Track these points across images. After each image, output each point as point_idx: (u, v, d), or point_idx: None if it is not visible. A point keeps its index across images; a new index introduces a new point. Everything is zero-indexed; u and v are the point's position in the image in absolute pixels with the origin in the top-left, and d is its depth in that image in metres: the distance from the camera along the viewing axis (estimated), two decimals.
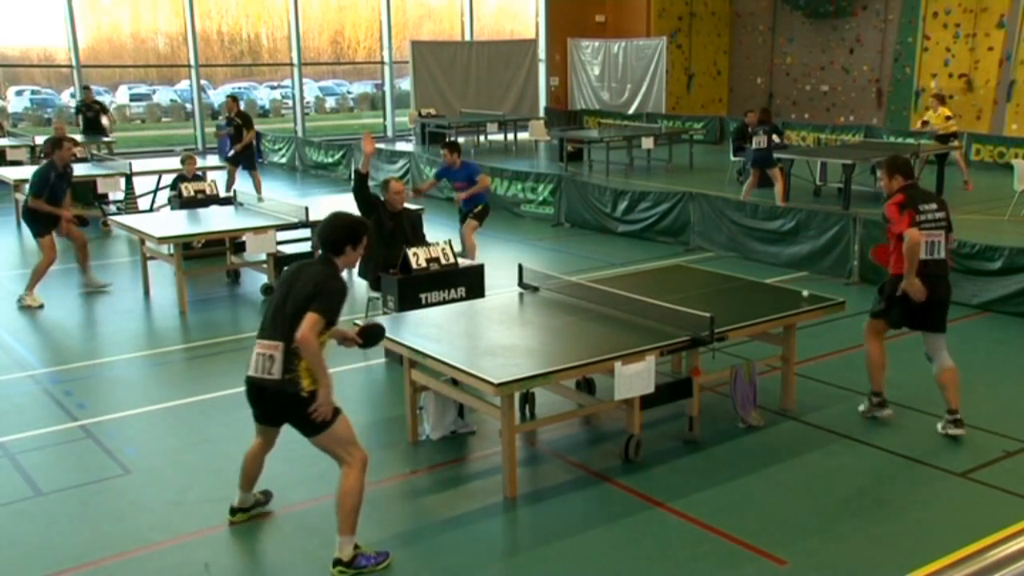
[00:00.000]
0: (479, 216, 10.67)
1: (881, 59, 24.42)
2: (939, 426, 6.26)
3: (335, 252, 4.69)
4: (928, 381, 6.86)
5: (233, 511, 5.18)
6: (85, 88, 20.01)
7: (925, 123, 16.82)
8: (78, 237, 10.14)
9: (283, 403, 4.61)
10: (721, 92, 28.50)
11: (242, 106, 16.13)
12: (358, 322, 6.28)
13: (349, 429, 4.70)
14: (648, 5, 27.27)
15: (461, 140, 23.16)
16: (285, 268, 4.88)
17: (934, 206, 6.23)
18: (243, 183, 15.40)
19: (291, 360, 4.52)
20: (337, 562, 4.59)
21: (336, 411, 4.63)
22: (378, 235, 7.86)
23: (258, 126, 17.20)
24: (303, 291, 4.54)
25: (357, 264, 4.95)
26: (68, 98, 27.79)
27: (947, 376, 6.24)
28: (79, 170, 14.34)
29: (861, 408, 6.63)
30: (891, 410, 6.55)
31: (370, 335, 5.15)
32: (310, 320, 4.42)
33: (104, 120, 19.15)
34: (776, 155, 14.59)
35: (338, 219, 4.80)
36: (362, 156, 8.06)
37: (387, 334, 6.02)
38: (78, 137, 18.30)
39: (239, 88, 34.18)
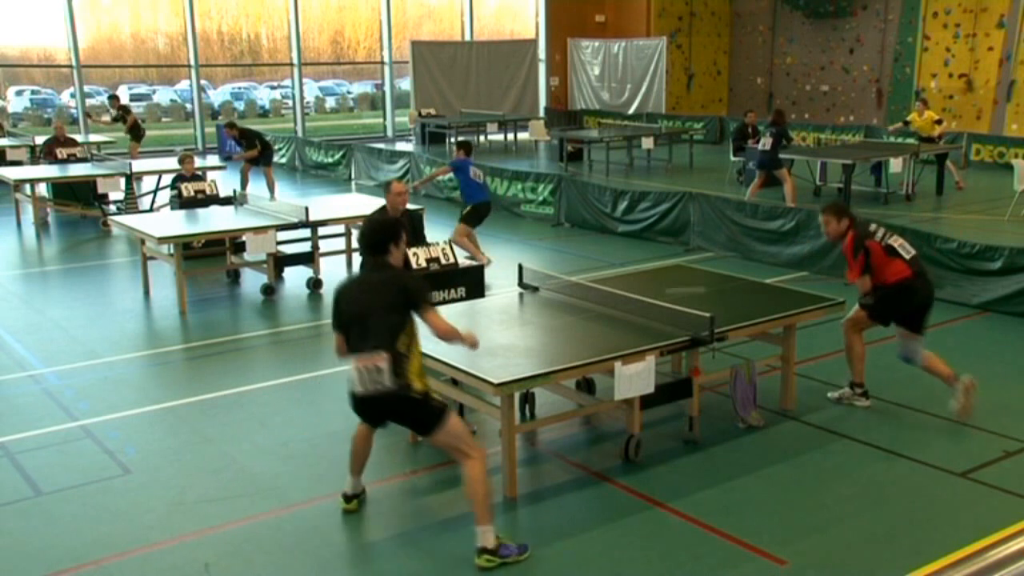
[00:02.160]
0: (466, 218, 10.74)
1: (881, 59, 24.43)
2: (952, 403, 6.49)
3: (382, 252, 4.84)
4: (927, 381, 6.86)
5: (348, 498, 5.27)
6: (113, 96, 19.91)
7: (906, 123, 16.82)
8: None
9: (400, 408, 4.75)
10: (721, 92, 28.51)
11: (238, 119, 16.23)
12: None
13: (461, 424, 4.87)
14: (648, 5, 27.28)
15: (461, 140, 23.29)
16: (338, 291, 4.93)
17: (874, 224, 6.71)
18: (256, 182, 15.44)
19: (400, 366, 4.64)
20: (483, 551, 4.66)
21: (445, 408, 4.79)
22: None
23: (258, 126, 17.23)
24: (388, 300, 4.70)
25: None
26: (68, 98, 27.82)
27: (931, 360, 6.59)
28: (79, 170, 14.41)
29: (833, 395, 6.80)
30: (870, 402, 6.68)
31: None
32: (433, 316, 4.78)
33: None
34: (781, 156, 14.56)
35: (374, 222, 5.00)
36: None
37: None
38: (78, 138, 18.34)
39: (239, 88, 34.20)
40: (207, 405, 6.94)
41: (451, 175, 11.01)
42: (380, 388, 4.63)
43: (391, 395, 4.65)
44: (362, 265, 5.11)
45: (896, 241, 6.57)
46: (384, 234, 4.87)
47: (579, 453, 6.06)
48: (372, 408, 4.79)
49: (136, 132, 18.47)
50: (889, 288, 6.47)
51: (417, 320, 4.78)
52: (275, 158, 20.88)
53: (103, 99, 29.17)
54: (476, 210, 10.84)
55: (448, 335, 4.84)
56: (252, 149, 15.23)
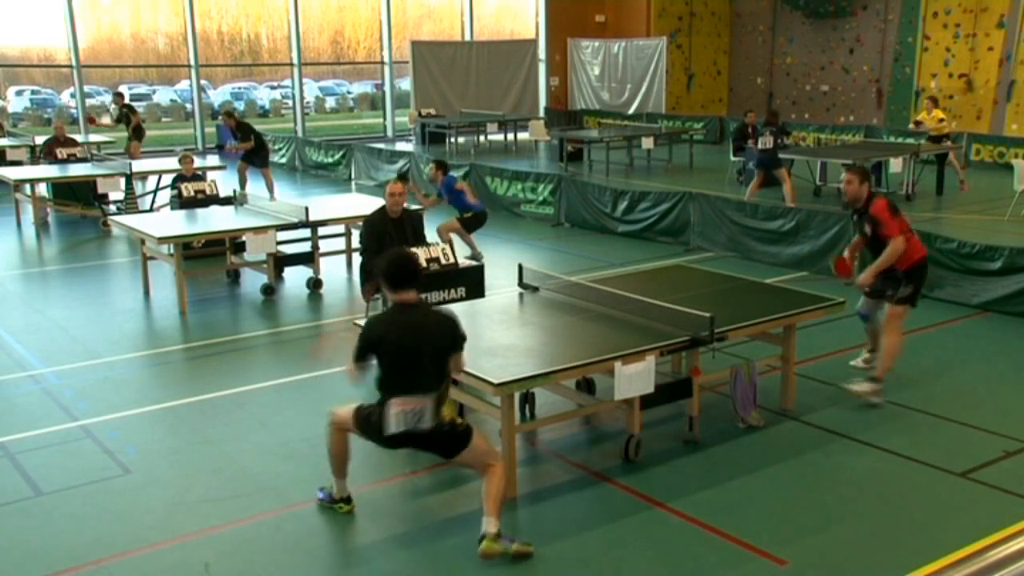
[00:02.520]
0: (465, 223, 10.75)
1: (881, 59, 24.43)
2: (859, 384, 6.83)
3: (414, 286, 4.85)
4: (927, 381, 6.86)
5: (346, 501, 5.25)
6: (118, 94, 19.84)
7: (918, 123, 16.85)
8: None
9: (430, 440, 4.82)
10: (721, 92, 28.51)
11: (238, 113, 16.16)
12: (358, 322, 6.29)
13: (485, 440, 4.98)
14: (648, 5, 27.27)
15: (461, 140, 23.30)
16: (379, 327, 4.87)
17: None
18: (255, 183, 15.44)
19: (439, 405, 4.76)
20: (484, 536, 4.69)
21: (470, 430, 4.87)
22: (379, 247, 7.86)
23: (258, 126, 17.19)
24: (442, 343, 4.78)
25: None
26: (68, 98, 27.82)
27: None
28: (79, 170, 14.41)
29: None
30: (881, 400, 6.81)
31: None
32: (462, 359, 4.93)
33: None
34: (781, 156, 14.56)
35: (405, 257, 4.96)
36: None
37: None
38: (78, 138, 18.33)
39: (239, 88, 34.20)
40: (207, 405, 6.94)
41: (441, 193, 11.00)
42: (419, 428, 4.71)
43: (432, 434, 4.76)
44: (395, 303, 4.91)
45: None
46: (416, 266, 4.91)
47: (579, 453, 6.06)
48: (399, 442, 4.84)
49: (139, 132, 18.46)
50: (916, 267, 6.77)
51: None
52: (275, 158, 20.92)
53: (103, 99, 29.20)
54: (476, 217, 10.83)
55: (464, 369, 5.05)
56: (246, 141, 15.18)
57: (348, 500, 5.26)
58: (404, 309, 4.83)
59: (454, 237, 10.54)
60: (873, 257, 6.88)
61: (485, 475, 4.84)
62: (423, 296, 7.39)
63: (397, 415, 4.67)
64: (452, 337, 4.80)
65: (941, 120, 16.44)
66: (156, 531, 5.07)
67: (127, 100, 19.24)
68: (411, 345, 4.71)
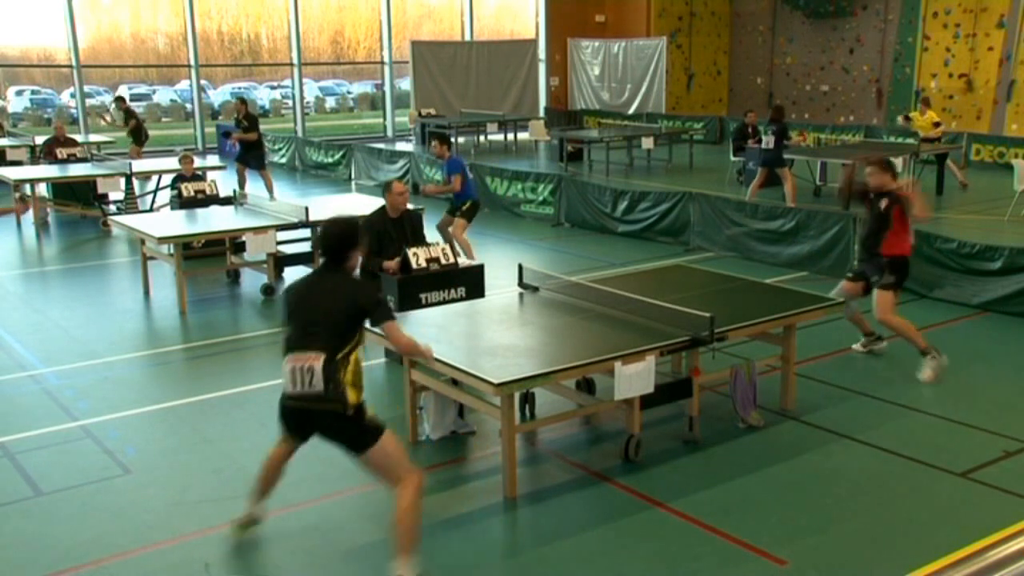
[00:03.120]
0: (467, 214, 10.65)
1: (881, 59, 24.43)
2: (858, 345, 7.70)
3: (340, 259, 4.63)
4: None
5: (244, 524, 4.93)
6: (120, 98, 19.83)
7: (907, 119, 16.79)
8: None
9: (330, 421, 4.45)
10: (721, 92, 28.51)
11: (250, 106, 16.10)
12: None
13: (399, 446, 4.56)
14: (648, 5, 27.27)
15: (461, 140, 23.29)
16: (288, 290, 4.77)
17: None
18: (254, 185, 15.43)
19: (333, 371, 4.38)
20: None
21: (382, 426, 4.50)
22: (380, 247, 7.86)
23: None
24: (339, 306, 4.47)
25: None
26: (68, 98, 27.81)
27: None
28: (79, 170, 14.41)
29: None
30: (942, 356, 7.24)
31: None
32: (394, 329, 4.62)
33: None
34: (784, 155, 14.56)
35: (334, 226, 4.69)
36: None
37: None
38: (78, 138, 18.34)
39: (239, 88, 34.19)
40: (207, 405, 6.94)
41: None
42: (309, 392, 4.37)
43: (321, 404, 4.39)
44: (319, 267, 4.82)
45: None
46: (344, 240, 4.63)
47: (579, 453, 6.06)
48: (300, 417, 4.53)
49: (138, 136, 18.45)
50: (898, 261, 7.27)
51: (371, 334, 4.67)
52: (275, 158, 20.94)
53: (103, 99, 29.19)
54: (476, 206, 10.82)
55: (408, 349, 4.80)
56: (252, 132, 15.13)
57: (250, 523, 4.92)
58: (322, 273, 4.69)
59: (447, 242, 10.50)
60: (868, 238, 7.44)
61: (396, 492, 4.45)
62: (423, 296, 7.45)
63: (289, 373, 4.41)
64: (353, 300, 4.49)
65: (937, 124, 16.39)
66: (156, 531, 5.07)
67: (128, 103, 19.24)
68: (308, 304, 4.53)
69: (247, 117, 15.19)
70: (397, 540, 4.42)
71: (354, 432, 4.45)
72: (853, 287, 7.51)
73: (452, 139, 22.70)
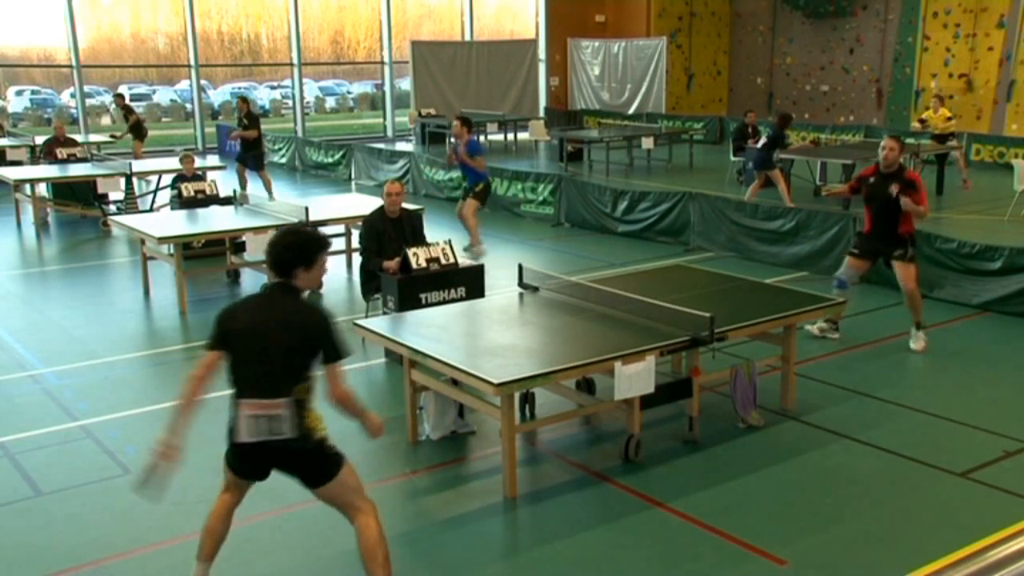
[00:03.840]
0: (480, 195, 10.73)
1: (881, 59, 24.43)
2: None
3: (287, 275, 4.06)
4: (926, 381, 6.86)
5: None
6: (119, 95, 19.81)
7: (923, 122, 16.82)
8: None
9: (293, 458, 4.10)
10: (721, 92, 28.51)
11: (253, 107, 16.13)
12: (358, 322, 6.30)
13: (356, 476, 4.24)
14: (648, 5, 27.28)
15: None
16: (230, 315, 4.17)
17: None
18: (254, 185, 15.43)
19: (298, 415, 4.01)
20: None
21: (341, 458, 4.16)
22: (379, 247, 7.86)
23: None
24: (290, 341, 3.98)
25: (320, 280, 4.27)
26: (68, 98, 27.81)
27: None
28: (79, 170, 14.41)
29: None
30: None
31: None
32: (337, 375, 4.03)
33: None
34: (776, 156, 14.57)
35: (288, 236, 4.12)
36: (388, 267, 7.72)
37: (388, 334, 6.03)
38: (78, 138, 18.33)
39: (239, 88, 34.18)
40: (207, 405, 6.92)
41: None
42: (276, 439, 3.99)
43: (290, 446, 4.02)
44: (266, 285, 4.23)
45: None
46: (293, 252, 4.03)
47: (579, 453, 6.06)
48: (259, 457, 4.14)
49: (138, 131, 18.46)
50: (914, 235, 7.82)
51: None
52: (275, 158, 20.94)
53: (103, 99, 29.19)
54: (487, 188, 10.95)
55: (344, 401, 4.08)
56: (252, 129, 15.12)
57: None
58: (271, 296, 4.11)
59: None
60: (882, 223, 7.77)
61: (357, 524, 4.14)
62: (423, 295, 7.46)
63: (248, 421, 4.02)
64: (304, 334, 3.98)
65: (949, 118, 16.42)
66: (156, 531, 5.07)
67: (127, 100, 19.25)
68: (261, 340, 3.99)
69: (248, 115, 15.19)
70: (376, 573, 4.11)
71: (318, 466, 4.10)
72: (860, 264, 7.96)
73: (451, 139, 22.83)
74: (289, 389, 3.99)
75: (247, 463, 4.25)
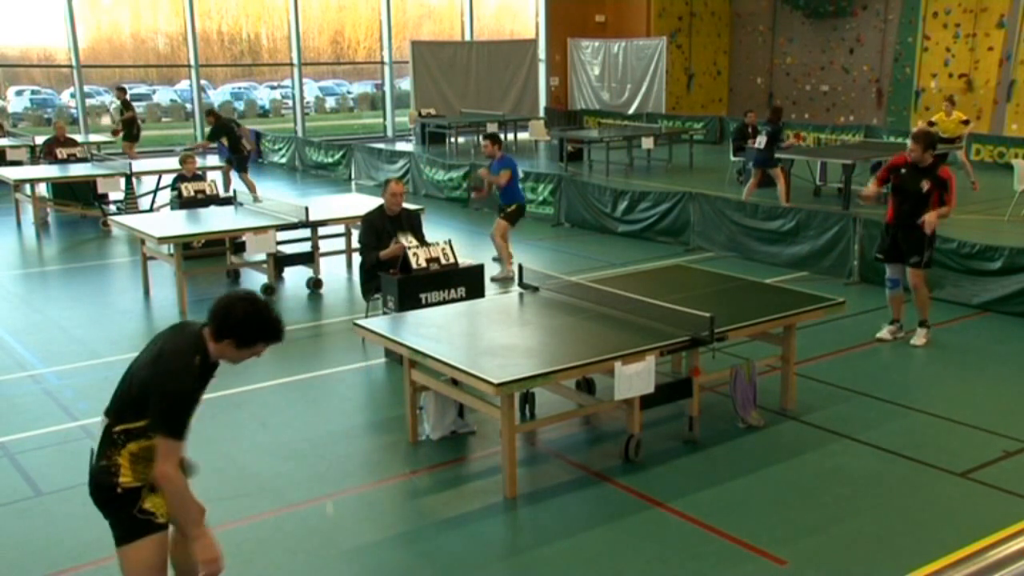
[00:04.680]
0: (510, 216, 10.47)
1: (881, 59, 24.43)
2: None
3: (214, 333, 3.58)
4: (926, 381, 6.87)
5: None
6: (120, 88, 19.75)
7: (932, 124, 16.72)
8: None
9: (98, 494, 3.56)
10: (721, 92, 28.51)
11: (217, 108, 16.43)
12: (358, 322, 6.30)
13: (156, 556, 3.58)
14: (648, 5, 27.27)
15: (461, 140, 23.30)
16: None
17: None
18: (238, 186, 15.43)
19: (111, 446, 3.52)
20: None
21: (148, 527, 3.54)
22: (378, 244, 7.86)
23: (258, 126, 17.22)
24: (144, 373, 3.54)
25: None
26: (68, 98, 27.81)
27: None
28: (79, 170, 14.41)
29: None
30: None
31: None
32: (163, 449, 3.41)
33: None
34: (777, 155, 14.60)
35: (244, 303, 3.62)
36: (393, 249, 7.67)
37: (388, 334, 6.03)
38: (78, 138, 18.33)
39: (239, 88, 34.20)
40: (207, 405, 6.86)
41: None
42: (91, 460, 3.58)
43: (93, 474, 3.56)
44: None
45: None
46: (234, 321, 3.57)
47: (579, 453, 6.06)
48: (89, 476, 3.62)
49: (131, 128, 18.46)
50: (935, 235, 7.85)
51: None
52: (275, 158, 20.94)
53: (103, 99, 29.18)
54: (521, 209, 10.66)
55: (163, 480, 3.43)
56: (206, 140, 15.44)
57: None
58: (177, 328, 3.76)
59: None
60: (905, 215, 7.80)
61: None
62: (423, 295, 7.45)
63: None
64: (147, 378, 3.50)
65: (965, 121, 16.33)
66: None
67: (127, 95, 19.27)
68: (138, 355, 3.72)
69: (213, 129, 15.45)
70: None
71: (116, 516, 3.58)
72: (893, 265, 7.99)
73: (452, 139, 22.84)
74: (114, 416, 3.56)
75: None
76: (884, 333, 8.07)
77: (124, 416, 3.52)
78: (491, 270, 10.13)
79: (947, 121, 16.25)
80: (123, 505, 3.53)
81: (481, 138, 10.93)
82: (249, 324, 3.60)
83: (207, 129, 15.68)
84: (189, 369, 3.49)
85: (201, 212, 10.91)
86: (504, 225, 10.48)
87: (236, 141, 15.37)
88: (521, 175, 10.81)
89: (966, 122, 16.40)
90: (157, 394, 3.43)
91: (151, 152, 20.38)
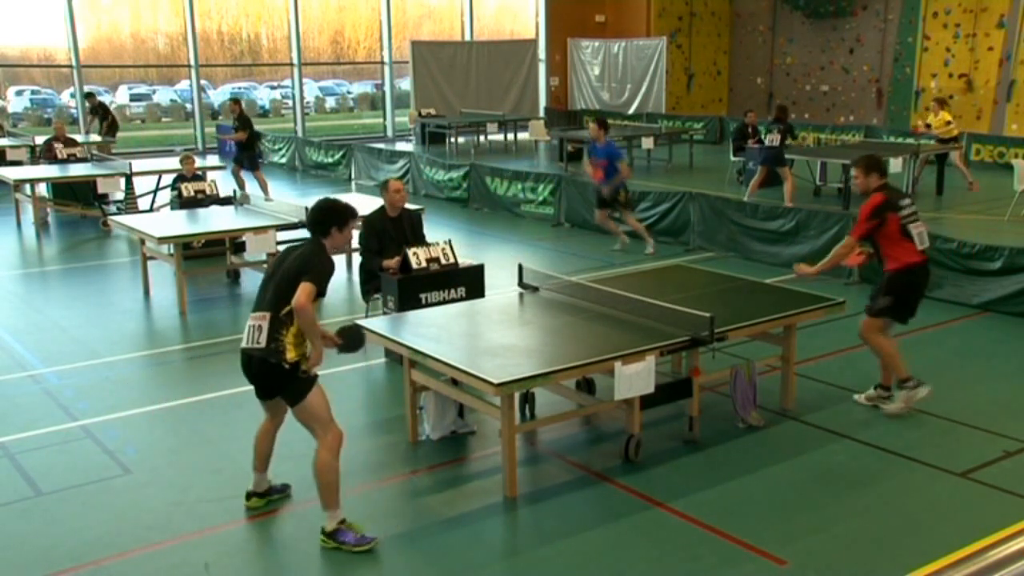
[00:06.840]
0: (628, 201, 11.41)
1: (881, 59, 24.43)
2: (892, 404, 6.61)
3: (322, 234, 4.95)
4: (925, 381, 6.85)
5: (248, 495, 5.29)
6: (89, 95, 19.90)
7: (927, 126, 16.73)
8: None
9: (267, 373, 4.83)
10: (721, 92, 28.51)
11: (244, 106, 16.11)
12: (359, 322, 6.29)
13: (323, 406, 4.88)
14: (648, 5, 27.27)
15: (461, 140, 23.29)
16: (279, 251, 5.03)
17: (908, 200, 6.53)
18: (252, 185, 15.42)
19: (277, 330, 4.78)
20: (323, 531, 4.85)
21: (311, 384, 4.84)
22: (380, 246, 7.86)
23: (258, 126, 17.19)
24: (292, 267, 4.81)
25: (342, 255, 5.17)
26: (68, 98, 27.82)
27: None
28: (79, 170, 14.41)
29: (859, 398, 6.74)
30: (929, 387, 6.49)
31: (349, 336, 5.22)
32: (304, 289, 4.69)
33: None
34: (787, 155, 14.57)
35: (325, 202, 5.06)
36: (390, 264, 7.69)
37: (388, 334, 6.03)
38: (78, 138, 18.34)
39: (239, 88, 34.19)
40: (207, 405, 6.94)
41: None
42: (255, 347, 4.79)
43: (262, 357, 4.79)
44: None
45: (917, 228, 6.35)
46: (329, 216, 4.97)
47: (579, 453, 6.06)
48: (248, 368, 4.92)
49: (113, 131, 18.51)
50: (895, 276, 6.33)
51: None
52: (275, 158, 20.94)
53: (103, 99, 29.17)
54: (616, 191, 11.48)
55: (300, 310, 4.73)
56: (242, 131, 15.13)
57: (263, 494, 5.31)
58: (302, 243, 5.08)
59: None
60: (877, 254, 6.54)
61: (317, 449, 4.86)
62: (423, 295, 7.45)
63: (247, 330, 4.86)
64: (301, 268, 4.79)
65: (948, 123, 16.33)
66: (156, 531, 5.07)
67: (98, 99, 19.31)
68: (270, 269, 5.05)
69: (240, 119, 15.20)
70: (319, 495, 4.85)
71: (288, 385, 4.83)
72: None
73: (452, 139, 22.84)
74: (274, 307, 4.79)
75: (245, 373, 4.98)
76: (860, 397, 6.78)
77: (282, 303, 4.77)
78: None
79: (937, 121, 16.26)
80: (292, 374, 4.81)
81: (590, 124, 11.79)
82: (334, 206, 5.01)
83: (232, 119, 15.47)
84: (326, 254, 4.93)
85: (201, 212, 10.90)
86: (630, 208, 11.49)
87: (255, 137, 15.36)
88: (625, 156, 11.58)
89: (949, 123, 16.38)
90: (311, 265, 4.78)
91: (151, 152, 20.38)
